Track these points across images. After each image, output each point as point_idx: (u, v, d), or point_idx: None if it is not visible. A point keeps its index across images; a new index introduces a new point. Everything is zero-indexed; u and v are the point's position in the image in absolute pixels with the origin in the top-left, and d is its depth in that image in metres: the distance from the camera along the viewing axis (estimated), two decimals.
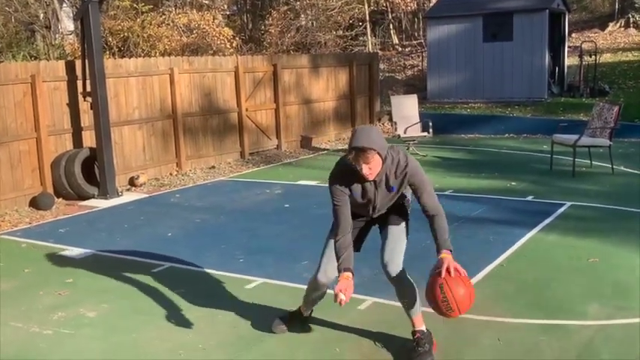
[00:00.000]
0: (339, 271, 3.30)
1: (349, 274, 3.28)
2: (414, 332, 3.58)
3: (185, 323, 4.12)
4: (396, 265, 3.40)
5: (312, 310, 3.96)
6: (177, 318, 4.22)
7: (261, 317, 4.12)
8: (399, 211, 3.56)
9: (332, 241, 3.54)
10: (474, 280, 4.70)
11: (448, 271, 3.17)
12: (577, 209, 6.77)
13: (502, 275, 4.84)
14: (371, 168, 3.21)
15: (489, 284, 4.65)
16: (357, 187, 3.36)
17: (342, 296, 3.16)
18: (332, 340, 3.81)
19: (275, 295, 4.56)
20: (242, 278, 4.95)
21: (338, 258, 3.34)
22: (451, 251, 3.26)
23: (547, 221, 6.27)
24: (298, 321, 3.92)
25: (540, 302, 4.30)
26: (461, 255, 5.29)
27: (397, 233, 3.50)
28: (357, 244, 3.63)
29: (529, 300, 4.35)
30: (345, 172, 3.33)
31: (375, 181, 3.33)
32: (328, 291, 3.62)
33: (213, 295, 4.62)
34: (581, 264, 5.02)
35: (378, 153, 3.19)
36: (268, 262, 5.36)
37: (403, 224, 3.56)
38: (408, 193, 3.61)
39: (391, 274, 3.41)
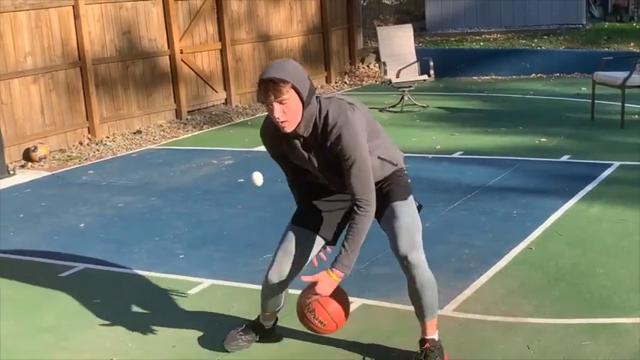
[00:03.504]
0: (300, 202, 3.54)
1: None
2: (422, 341, 3.60)
3: (104, 344, 4.09)
4: (419, 253, 3.39)
5: (276, 319, 3.96)
6: (93, 337, 4.18)
7: (210, 331, 4.11)
8: (399, 181, 3.53)
9: (291, 227, 3.58)
10: (493, 270, 4.75)
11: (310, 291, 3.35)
12: (628, 171, 6.85)
13: (531, 262, 4.88)
14: (285, 111, 3.19)
15: (514, 274, 4.69)
16: (287, 147, 3.41)
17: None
18: (307, 358, 3.80)
19: (227, 300, 4.56)
20: (183, 280, 4.94)
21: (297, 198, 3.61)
22: (343, 273, 3.32)
23: (588, 188, 6.34)
24: (259, 334, 3.92)
25: (581, 296, 4.35)
26: (475, 238, 5.43)
27: (409, 211, 3.46)
28: (332, 233, 3.62)
29: (566, 293, 4.39)
30: (270, 128, 3.38)
31: (302, 137, 3.32)
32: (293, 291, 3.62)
33: (144, 305, 4.59)
34: (634, 244, 5.09)
35: (295, 88, 3.17)
36: (217, 257, 5.36)
37: (412, 197, 3.53)
38: (402, 160, 3.59)
39: (414, 265, 3.37)
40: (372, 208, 3.29)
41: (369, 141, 3.34)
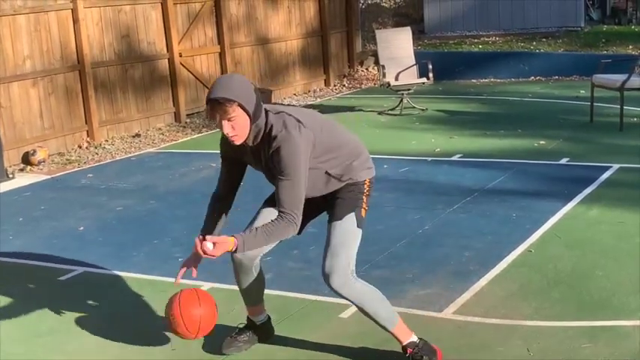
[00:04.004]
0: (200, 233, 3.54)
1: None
2: (404, 348, 3.62)
3: (104, 348, 4.09)
4: (338, 277, 3.43)
5: (268, 317, 3.97)
6: (93, 341, 4.18)
7: (209, 335, 4.10)
8: (345, 196, 3.54)
9: (260, 209, 3.70)
10: (493, 272, 4.75)
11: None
12: (627, 173, 6.85)
13: (530, 264, 4.89)
14: (234, 127, 3.27)
15: (513, 277, 4.69)
16: (241, 153, 3.49)
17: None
18: None
19: (228, 303, 4.54)
20: (182, 283, 4.90)
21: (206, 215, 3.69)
22: (236, 247, 3.34)
23: (587, 191, 6.34)
24: (253, 331, 3.93)
25: (581, 298, 4.35)
26: (474, 240, 5.43)
27: (340, 232, 3.49)
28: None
29: (566, 296, 4.39)
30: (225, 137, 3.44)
31: (251, 147, 3.40)
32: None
33: (143, 309, 4.58)
34: (633, 246, 5.09)
35: (241, 106, 3.23)
36: (217, 260, 5.32)
37: (350, 216, 3.52)
38: (366, 174, 3.59)
39: (334, 289, 3.45)
40: (296, 222, 3.30)
41: (321, 156, 3.40)
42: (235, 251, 3.33)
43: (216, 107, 3.22)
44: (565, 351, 3.73)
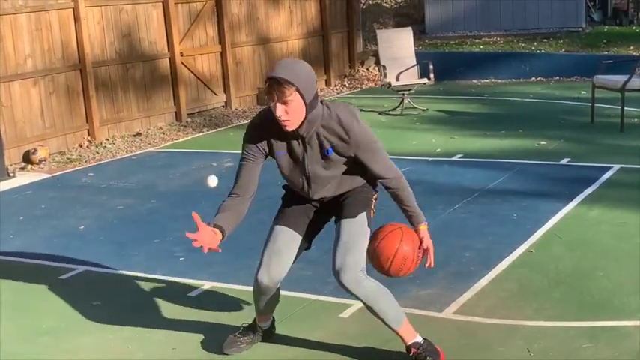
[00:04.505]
0: (209, 224, 3.38)
1: (217, 230, 3.36)
2: (407, 348, 3.62)
3: (104, 347, 4.09)
4: (349, 272, 3.43)
5: (273, 319, 3.97)
6: (93, 339, 4.18)
7: (210, 334, 4.11)
8: (355, 198, 3.56)
9: (277, 228, 3.62)
10: (493, 272, 4.75)
11: (429, 251, 3.58)
12: (627, 174, 6.86)
13: (530, 264, 4.89)
14: (288, 112, 3.22)
15: (514, 277, 4.70)
16: (279, 145, 3.41)
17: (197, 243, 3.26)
18: None
19: (227, 303, 4.55)
20: (183, 283, 4.94)
21: (216, 214, 3.46)
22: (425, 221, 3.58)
23: (588, 191, 6.34)
24: (257, 334, 3.93)
25: (581, 298, 4.35)
26: (475, 241, 5.42)
27: (353, 230, 3.51)
28: (306, 240, 3.67)
29: (566, 296, 4.40)
30: (267, 122, 3.37)
31: (302, 137, 3.34)
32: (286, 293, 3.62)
33: (144, 307, 4.59)
34: (634, 246, 5.09)
35: (299, 92, 3.19)
36: (218, 259, 5.34)
37: (362, 215, 3.55)
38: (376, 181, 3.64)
39: (345, 285, 3.44)
40: (403, 179, 3.51)
41: None
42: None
43: (274, 86, 3.18)
44: (565, 351, 3.73)
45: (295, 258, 3.66)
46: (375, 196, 3.65)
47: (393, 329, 3.59)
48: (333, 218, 3.67)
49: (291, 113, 3.23)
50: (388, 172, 3.46)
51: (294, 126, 3.28)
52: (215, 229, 3.37)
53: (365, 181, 3.60)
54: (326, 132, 3.34)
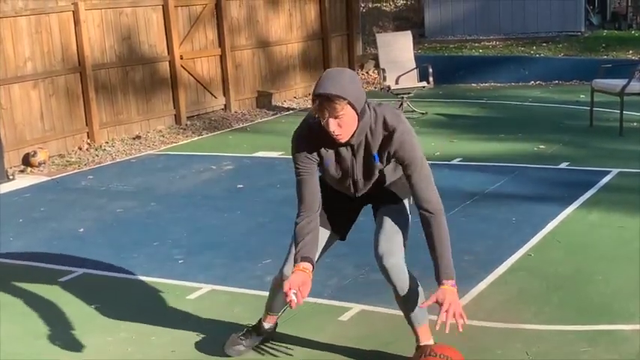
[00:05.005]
0: (295, 261, 3.27)
1: (308, 265, 3.24)
2: (418, 348, 3.60)
3: (104, 349, 4.09)
4: (394, 257, 3.41)
5: (276, 324, 3.97)
6: (93, 342, 4.18)
7: (210, 336, 4.11)
8: (396, 187, 3.56)
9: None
10: (492, 276, 4.76)
11: (448, 313, 3.17)
12: (626, 178, 6.86)
13: (529, 268, 4.89)
14: (341, 125, 3.17)
15: (513, 280, 4.70)
16: (328, 153, 3.35)
17: (292, 295, 3.13)
18: None
19: (227, 306, 4.56)
20: (182, 285, 4.94)
21: (296, 244, 3.31)
22: (454, 280, 3.23)
23: (587, 195, 6.35)
24: (260, 336, 3.93)
25: (580, 302, 4.36)
26: (474, 244, 5.43)
27: (395, 215, 3.50)
28: (342, 229, 3.64)
29: (565, 300, 4.40)
30: (313, 132, 3.30)
31: (351, 145, 3.31)
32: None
33: (143, 310, 4.59)
34: (633, 250, 5.10)
35: (351, 104, 3.14)
36: (217, 262, 5.36)
37: (405, 202, 3.56)
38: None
39: (388, 269, 3.41)
40: (443, 215, 3.29)
41: None
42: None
43: (324, 103, 3.10)
44: (564, 355, 3.73)
45: (324, 251, 3.61)
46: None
47: (413, 325, 3.58)
48: (370, 205, 3.61)
49: (344, 126, 3.17)
50: (434, 199, 3.27)
51: (347, 137, 3.23)
52: (304, 267, 3.24)
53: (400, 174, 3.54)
54: (371, 135, 3.29)
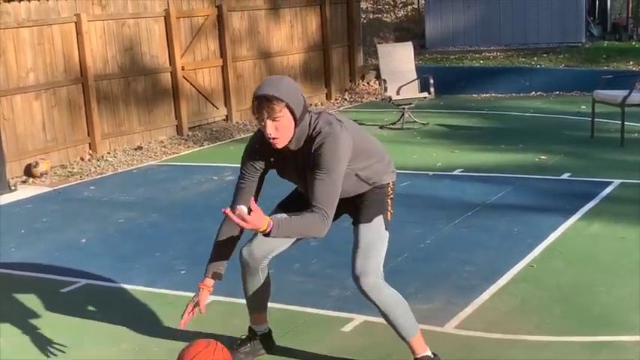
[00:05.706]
0: (206, 272, 3.53)
1: (212, 282, 3.53)
2: None
3: (105, 359, 4.09)
4: (370, 277, 3.43)
5: (269, 330, 3.97)
6: (95, 353, 4.18)
7: None
8: (370, 201, 3.56)
9: (275, 211, 3.62)
10: (494, 287, 4.75)
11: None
12: (628, 189, 6.87)
13: (531, 279, 4.89)
14: (278, 128, 3.22)
15: (515, 291, 4.70)
16: (276, 161, 3.44)
17: (183, 318, 3.45)
18: None
19: (229, 316, 4.56)
20: (184, 296, 4.92)
21: (213, 250, 3.54)
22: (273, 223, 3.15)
23: (589, 206, 6.35)
24: (255, 341, 3.94)
25: (582, 313, 4.36)
26: (476, 255, 5.43)
27: (370, 234, 3.50)
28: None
29: (567, 311, 4.40)
30: (265, 141, 3.35)
31: (293, 151, 3.35)
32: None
33: (145, 321, 4.59)
34: (634, 262, 5.10)
35: (289, 107, 3.20)
36: None
37: (379, 219, 3.54)
38: (389, 177, 3.62)
39: (366, 292, 3.44)
40: (328, 221, 3.21)
41: (354, 159, 3.38)
42: (268, 234, 3.12)
43: (263, 104, 3.17)
44: None
45: (293, 244, 3.69)
46: (390, 195, 3.60)
47: (405, 339, 3.58)
48: (351, 220, 3.63)
49: (281, 130, 3.23)
50: (322, 199, 3.21)
51: (284, 143, 3.28)
52: (210, 285, 3.64)
53: (380, 182, 3.56)
54: (311, 142, 3.30)
